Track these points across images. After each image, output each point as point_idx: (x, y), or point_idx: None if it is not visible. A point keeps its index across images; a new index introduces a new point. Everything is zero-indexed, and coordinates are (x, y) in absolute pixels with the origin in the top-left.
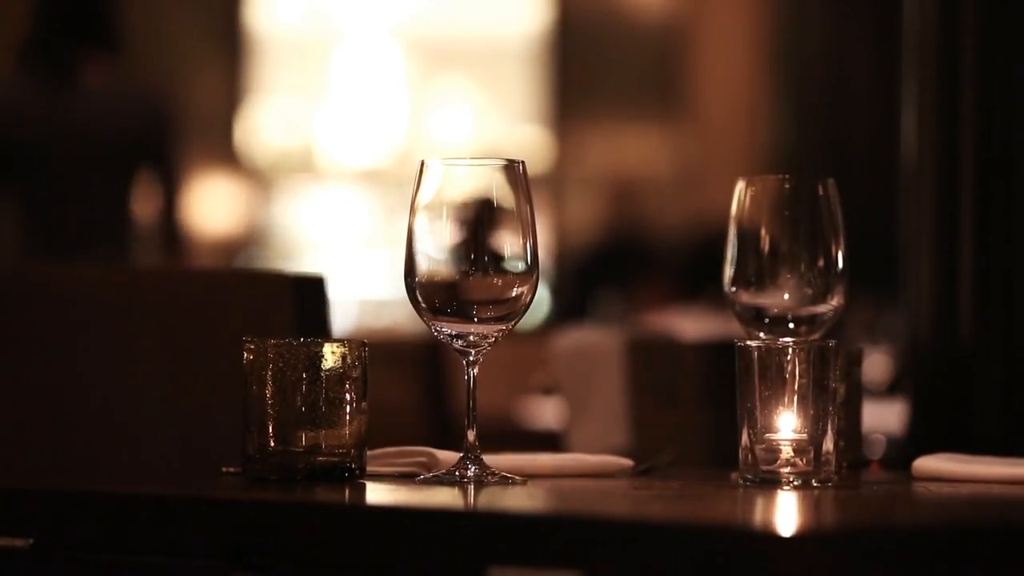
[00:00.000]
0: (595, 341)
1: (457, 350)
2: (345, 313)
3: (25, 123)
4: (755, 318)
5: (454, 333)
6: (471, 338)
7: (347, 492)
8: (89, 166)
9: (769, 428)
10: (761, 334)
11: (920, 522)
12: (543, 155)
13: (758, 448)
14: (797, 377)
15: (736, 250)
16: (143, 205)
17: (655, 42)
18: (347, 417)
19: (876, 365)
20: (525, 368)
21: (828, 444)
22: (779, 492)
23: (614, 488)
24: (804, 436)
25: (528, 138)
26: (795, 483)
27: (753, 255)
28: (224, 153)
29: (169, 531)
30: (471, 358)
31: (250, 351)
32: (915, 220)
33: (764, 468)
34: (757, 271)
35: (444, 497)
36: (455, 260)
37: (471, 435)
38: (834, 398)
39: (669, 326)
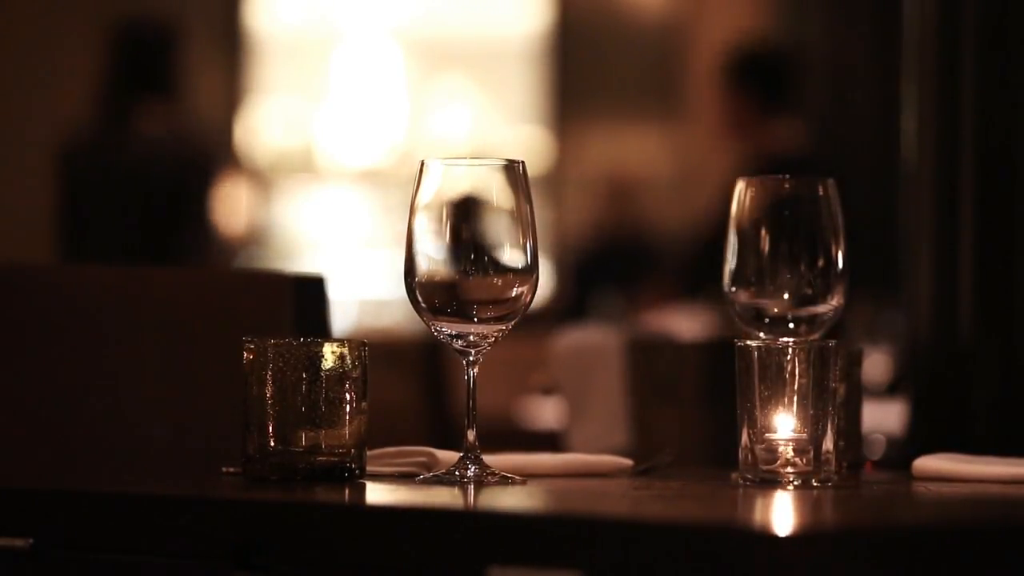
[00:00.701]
0: (595, 341)
1: (457, 350)
2: (345, 313)
3: (98, 158)
4: (755, 318)
5: (454, 333)
6: (471, 338)
7: (347, 492)
8: (147, 197)
9: (769, 428)
10: (761, 334)
11: (920, 522)
12: (543, 155)
13: (758, 448)
14: (797, 377)
15: (736, 250)
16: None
17: (655, 42)
18: (347, 417)
19: (876, 365)
20: (525, 368)
21: (828, 444)
22: (779, 492)
23: (614, 488)
24: (804, 436)
25: (528, 138)
26: (795, 483)
27: (753, 255)
28: (224, 153)
29: (169, 531)
30: (471, 358)
31: (250, 351)
32: (915, 220)
33: (764, 468)
34: (757, 271)
35: (444, 497)
36: (455, 260)
37: (471, 435)
38: (834, 398)
39: (666, 325)
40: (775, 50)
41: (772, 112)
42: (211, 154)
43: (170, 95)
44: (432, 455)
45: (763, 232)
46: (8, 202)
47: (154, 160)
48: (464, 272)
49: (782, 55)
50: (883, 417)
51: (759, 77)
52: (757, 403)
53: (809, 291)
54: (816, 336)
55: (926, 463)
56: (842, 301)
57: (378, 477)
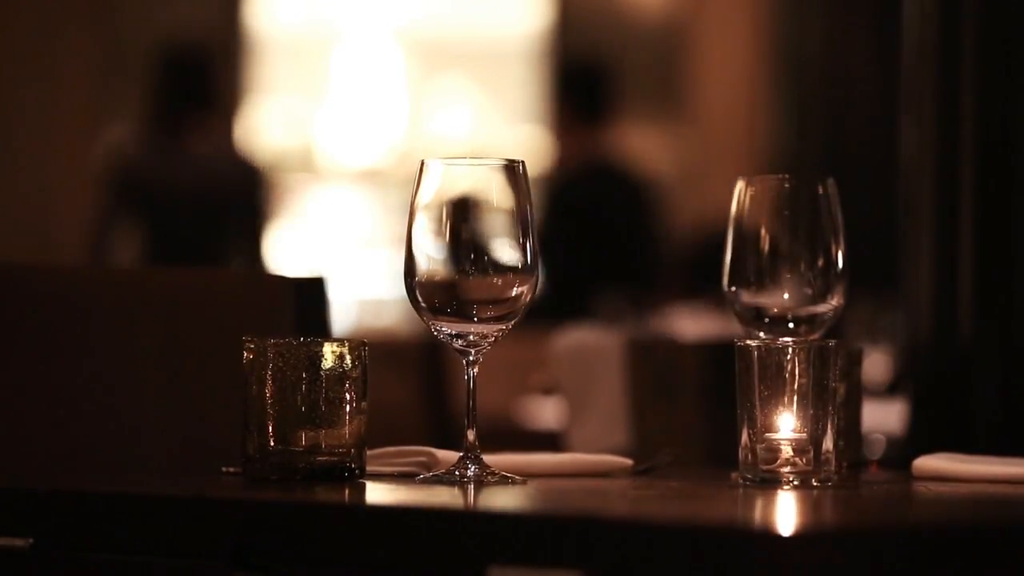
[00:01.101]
0: (595, 341)
1: (457, 350)
2: (345, 313)
3: (153, 173)
4: (755, 318)
5: (454, 333)
6: (471, 338)
7: (347, 492)
8: (197, 208)
9: (769, 428)
10: (761, 334)
11: (920, 522)
12: (543, 155)
13: (758, 448)
14: (797, 377)
15: (736, 250)
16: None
17: (655, 42)
18: (347, 417)
19: (876, 365)
20: (525, 368)
21: (828, 444)
22: (779, 492)
23: (614, 488)
24: (804, 436)
25: (528, 138)
26: (795, 483)
27: (753, 255)
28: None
29: (169, 531)
30: (471, 358)
31: (250, 351)
32: (915, 220)
33: (764, 468)
34: (757, 271)
35: (444, 497)
36: (455, 260)
37: (471, 435)
38: (834, 398)
39: (669, 326)
40: (597, 64)
41: (593, 122)
42: (258, 167)
43: (213, 112)
44: (432, 455)
45: (763, 232)
46: (64, 221)
47: (205, 175)
48: (464, 272)
49: (603, 70)
50: (883, 417)
51: (581, 89)
52: (757, 403)
53: (809, 291)
54: (816, 336)
55: (926, 463)
56: (842, 301)
57: (378, 477)
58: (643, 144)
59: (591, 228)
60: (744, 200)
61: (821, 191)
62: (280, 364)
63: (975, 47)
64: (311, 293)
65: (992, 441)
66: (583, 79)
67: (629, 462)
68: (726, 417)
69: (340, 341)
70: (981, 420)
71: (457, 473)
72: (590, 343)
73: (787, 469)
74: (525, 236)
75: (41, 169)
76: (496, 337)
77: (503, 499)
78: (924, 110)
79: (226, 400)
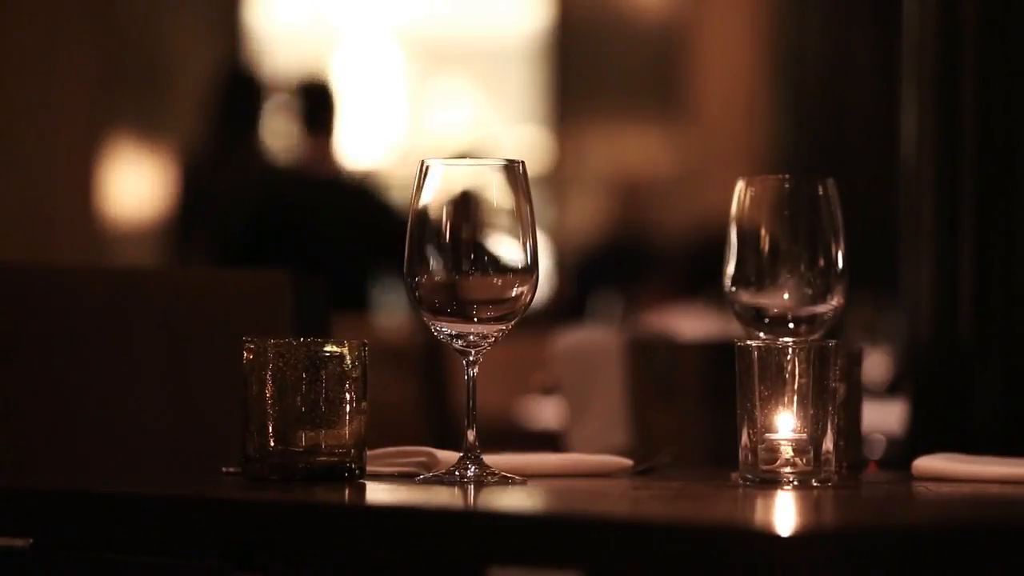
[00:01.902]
0: (595, 341)
1: (457, 350)
2: None
3: (210, 190)
4: (755, 318)
5: (454, 333)
6: (471, 338)
7: (347, 492)
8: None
9: (769, 428)
10: (761, 334)
11: (920, 522)
12: (543, 155)
13: (758, 448)
14: (797, 377)
15: (736, 250)
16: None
17: (655, 42)
18: (347, 417)
19: (876, 365)
20: (525, 368)
21: (828, 444)
22: (779, 492)
23: (614, 488)
24: (804, 436)
25: (528, 138)
26: (795, 483)
27: (753, 255)
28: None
29: (169, 531)
30: (471, 358)
31: (250, 351)
32: (915, 220)
33: (764, 468)
34: (757, 271)
35: (444, 497)
36: (455, 260)
37: (471, 435)
38: (834, 398)
39: (669, 326)
40: (319, 82)
41: (321, 134)
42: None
43: (259, 131)
44: (432, 455)
45: (763, 232)
46: (65, 221)
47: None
48: (464, 272)
49: (324, 87)
50: (883, 417)
51: (305, 104)
52: (757, 403)
53: (809, 291)
54: (816, 336)
55: (926, 463)
56: (842, 301)
57: (378, 477)
58: (643, 144)
59: (313, 235)
60: (744, 200)
61: (821, 191)
62: (280, 364)
63: (975, 47)
64: (311, 293)
65: (992, 441)
66: (311, 93)
67: (629, 462)
68: (726, 417)
69: (340, 341)
70: (981, 420)
71: (457, 473)
72: (590, 343)
73: (787, 469)
74: (525, 236)
75: (42, 170)
76: (496, 337)
77: (503, 499)
78: (924, 110)
79: (226, 400)
